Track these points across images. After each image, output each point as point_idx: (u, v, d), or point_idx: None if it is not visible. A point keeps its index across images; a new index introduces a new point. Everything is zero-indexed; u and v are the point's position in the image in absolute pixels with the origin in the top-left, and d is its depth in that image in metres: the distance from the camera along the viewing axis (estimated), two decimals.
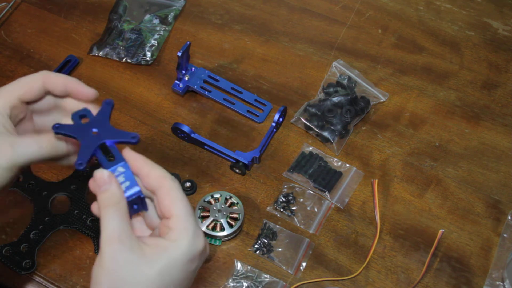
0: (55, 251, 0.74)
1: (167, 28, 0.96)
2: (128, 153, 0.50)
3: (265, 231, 0.76)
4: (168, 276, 0.46)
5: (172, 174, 0.80)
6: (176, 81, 0.87)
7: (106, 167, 0.49)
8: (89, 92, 0.54)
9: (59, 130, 0.51)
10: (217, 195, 0.77)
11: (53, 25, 0.97)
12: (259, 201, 0.79)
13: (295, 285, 0.72)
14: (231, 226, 0.74)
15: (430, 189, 0.80)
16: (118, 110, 0.87)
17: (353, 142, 0.84)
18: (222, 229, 0.74)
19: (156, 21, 0.97)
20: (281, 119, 0.84)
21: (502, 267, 0.73)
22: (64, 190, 0.78)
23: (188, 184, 0.79)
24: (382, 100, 0.87)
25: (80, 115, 0.52)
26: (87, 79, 0.91)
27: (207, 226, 0.74)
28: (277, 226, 0.76)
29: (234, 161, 0.80)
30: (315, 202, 0.78)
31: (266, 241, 0.75)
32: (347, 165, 0.81)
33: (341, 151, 0.83)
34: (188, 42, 0.82)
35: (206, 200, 0.77)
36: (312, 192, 0.79)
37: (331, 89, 0.86)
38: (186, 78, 0.88)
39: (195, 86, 0.87)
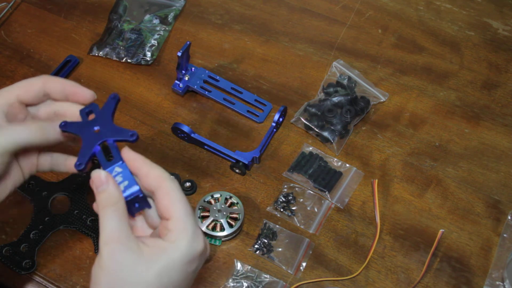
0: (55, 251, 0.74)
1: (167, 28, 0.96)
2: (127, 153, 0.50)
3: (265, 231, 0.76)
4: (167, 277, 0.46)
5: (172, 174, 0.80)
6: (176, 81, 0.87)
7: (104, 167, 0.49)
8: (87, 93, 0.54)
9: (64, 128, 0.51)
10: (217, 195, 0.77)
11: (53, 25, 0.97)
12: (259, 201, 0.79)
13: (295, 285, 0.72)
14: (231, 226, 0.74)
15: (430, 189, 0.80)
16: (118, 110, 0.86)
17: (353, 142, 0.84)
18: (222, 229, 0.74)
19: (156, 21, 0.97)
20: (281, 119, 0.84)
21: (502, 267, 0.73)
22: (64, 190, 0.78)
23: (188, 184, 0.79)
24: (382, 100, 0.87)
25: (87, 111, 0.53)
26: (87, 79, 0.91)
27: (207, 226, 0.74)
28: (277, 226, 0.76)
29: (234, 161, 0.80)
30: (315, 202, 0.78)
31: (266, 241, 0.75)
32: (347, 165, 0.81)
33: (341, 151, 0.83)
34: (188, 42, 0.82)
35: (206, 200, 0.77)
36: (312, 192, 0.79)
37: (331, 89, 0.86)
38: (186, 78, 0.88)
39: (195, 86, 0.87)
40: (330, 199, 0.78)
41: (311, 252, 0.75)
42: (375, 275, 0.73)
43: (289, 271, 0.73)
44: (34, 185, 0.78)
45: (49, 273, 0.73)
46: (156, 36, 0.95)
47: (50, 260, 0.74)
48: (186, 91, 0.88)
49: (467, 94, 0.89)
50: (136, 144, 0.51)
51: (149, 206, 0.50)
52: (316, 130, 0.82)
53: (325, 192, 0.78)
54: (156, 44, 0.94)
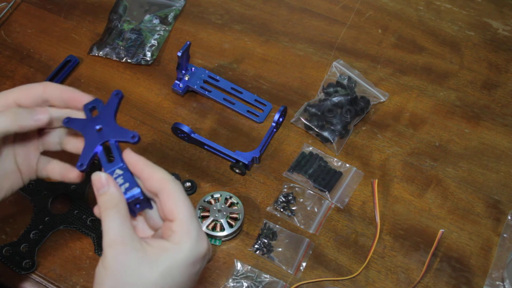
0: (55, 251, 0.74)
1: (167, 28, 0.96)
2: (129, 155, 0.50)
3: (265, 231, 0.76)
4: (170, 278, 0.46)
5: (172, 174, 0.80)
6: (176, 81, 0.87)
7: (105, 169, 0.49)
8: (86, 99, 0.54)
9: (67, 124, 0.51)
10: (217, 195, 0.77)
11: (53, 25, 0.97)
12: (259, 201, 0.79)
13: (295, 285, 0.72)
14: (231, 226, 0.74)
15: (430, 189, 0.80)
16: (119, 110, 0.87)
17: (353, 142, 0.84)
18: (222, 229, 0.74)
19: (156, 21, 0.97)
20: (281, 119, 0.84)
21: (502, 267, 0.73)
22: (64, 190, 0.78)
23: (188, 184, 0.79)
24: (382, 100, 0.87)
25: (90, 107, 0.52)
26: (87, 79, 0.91)
27: (207, 226, 0.74)
28: (277, 226, 0.76)
29: (234, 161, 0.80)
30: (315, 202, 0.78)
31: (266, 241, 0.75)
32: (347, 165, 0.81)
33: (341, 151, 0.83)
34: (188, 42, 0.82)
35: (206, 200, 0.77)
36: (312, 192, 0.79)
37: (331, 89, 0.86)
38: (186, 78, 0.88)
39: (195, 86, 0.87)
40: (330, 199, 0.78)
41: (311, 252, 0.75)
42: (375, 275, 0.73)
43: (289, 271, 0.73)
44: (34, 185, 0.78)
45: (49, 273, 0.73)
46: (156, 36, 0.95)
47: (50, 260, 0.74)
48: (186, 91, 0.88)
49: (467, 94, 0.89)
50: (136, 144, 0.50)
51: (150, 207, 0.50)
52: (316, 130, 0.82)
53: (325, 192, 0.78)
54: (156, 44, 0.94)
